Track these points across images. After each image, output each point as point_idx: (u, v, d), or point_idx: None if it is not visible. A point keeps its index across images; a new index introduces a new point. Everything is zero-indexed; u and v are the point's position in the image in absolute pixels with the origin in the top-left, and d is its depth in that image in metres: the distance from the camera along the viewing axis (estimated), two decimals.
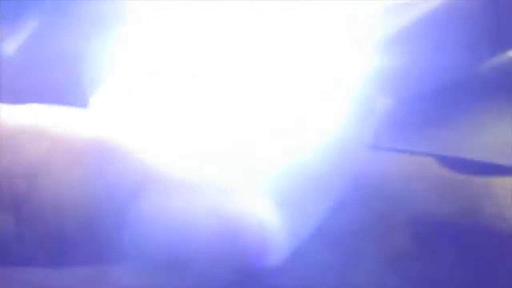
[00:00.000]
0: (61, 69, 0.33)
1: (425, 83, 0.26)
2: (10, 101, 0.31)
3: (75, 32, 0.34)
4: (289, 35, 0.24)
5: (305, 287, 0.24)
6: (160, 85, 0.25)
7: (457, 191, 0.27)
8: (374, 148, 0.27)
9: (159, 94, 0.25)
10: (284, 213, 0.21)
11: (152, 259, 0.21)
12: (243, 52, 0.25)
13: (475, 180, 0.27)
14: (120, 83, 0.26)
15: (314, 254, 0.25)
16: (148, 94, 0.25)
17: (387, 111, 0.26)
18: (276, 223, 0.21)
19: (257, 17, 0.25)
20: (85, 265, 0.21)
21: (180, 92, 0.25)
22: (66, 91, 0.33)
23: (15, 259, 0.20)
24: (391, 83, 0.25)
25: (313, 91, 0.23)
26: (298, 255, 0.23)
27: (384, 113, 0.26)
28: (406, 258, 0.26)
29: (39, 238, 0.20)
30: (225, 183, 0.21)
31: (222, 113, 0.24)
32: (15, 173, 0.20)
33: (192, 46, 0.26)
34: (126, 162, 0.20)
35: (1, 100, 0.32)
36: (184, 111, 0.24)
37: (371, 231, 0.26)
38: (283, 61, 0.24)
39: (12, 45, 0.33)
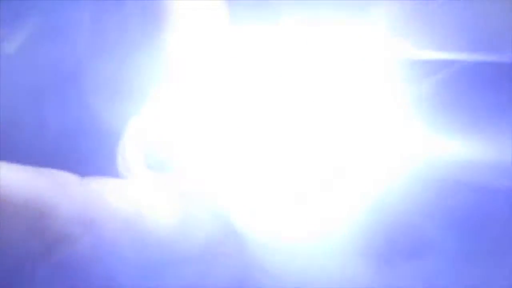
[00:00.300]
0: (61, 69, 0.34)
1: None
2: (10, 101, 0.32)
3: (75, 32, 0.34)
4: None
5: (302, 284, 0.24)
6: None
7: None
8: None
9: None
10: None
11: None
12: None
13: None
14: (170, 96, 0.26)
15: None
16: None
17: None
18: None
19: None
20: None
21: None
22: (66, 91, 0.33)
23: None
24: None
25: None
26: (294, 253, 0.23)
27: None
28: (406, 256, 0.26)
29: None
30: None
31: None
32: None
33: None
34: None
35: (1, 100, 0.32)
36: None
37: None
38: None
39: (12, 45, 0.34)
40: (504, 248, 0.27)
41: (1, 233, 0.19)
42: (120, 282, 0.21)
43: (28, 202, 0.20)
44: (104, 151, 0.26)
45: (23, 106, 0.32)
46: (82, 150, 0.28)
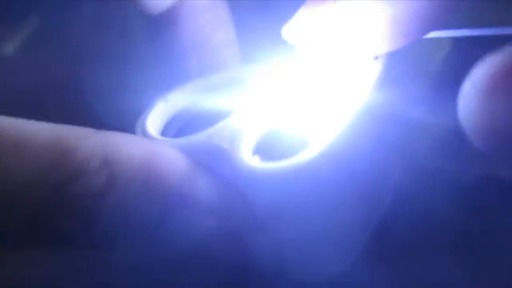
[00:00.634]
0: (61, 69, 0.34)
1: None
2: (10, 101, 0.32)
3: (74, 32, 0.34)
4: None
5: (303, 283, 0.24)
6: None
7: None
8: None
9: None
10: None
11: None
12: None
13: None
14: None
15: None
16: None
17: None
18: None
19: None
20: None
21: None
22: (66, 91, 0.33)
23: None
24: None
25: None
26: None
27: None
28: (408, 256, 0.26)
29: None
30: None
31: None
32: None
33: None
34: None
35: (1, 100, 0.33)
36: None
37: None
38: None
39: (12, 45, 0.34)
40: (503, 246, 0.27)
41: (26, 169, 0.21)
42: (129, 222, 0.22)
43: (49, 142, 0.22)
44: None
45: (23, 106, 0.32)
46: None
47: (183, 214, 0.22)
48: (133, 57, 0.33)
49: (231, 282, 0.23)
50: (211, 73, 0.29)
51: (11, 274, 0.22)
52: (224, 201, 0.23)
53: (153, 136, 0.25)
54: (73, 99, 0.33)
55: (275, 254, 0.23)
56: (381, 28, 0.23)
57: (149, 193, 0.22)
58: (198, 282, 0.23)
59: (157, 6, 0.30)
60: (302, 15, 0.24)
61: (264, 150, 0.24)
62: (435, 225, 0.27)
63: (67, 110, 0.32)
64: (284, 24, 0.25)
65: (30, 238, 0.22)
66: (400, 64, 0.25)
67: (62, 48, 0.34)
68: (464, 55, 0.23)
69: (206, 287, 0.23)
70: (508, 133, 0.20)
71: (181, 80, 0.28)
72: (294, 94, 0.25)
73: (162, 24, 0.30)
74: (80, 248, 0.22)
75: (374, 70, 0.24)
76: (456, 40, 0.27)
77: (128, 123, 0.27)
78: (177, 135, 0.27)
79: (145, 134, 0.26)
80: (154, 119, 0.26)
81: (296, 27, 0.24)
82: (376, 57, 0.24)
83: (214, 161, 0.23)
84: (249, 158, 0.23)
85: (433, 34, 0.25)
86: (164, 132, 0.27)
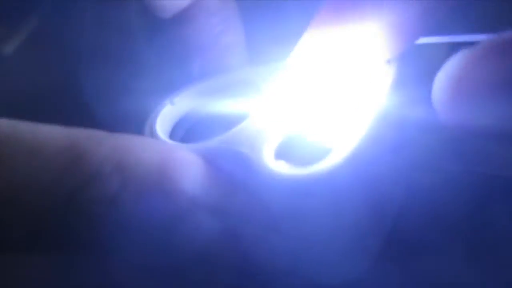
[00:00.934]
0: (61, 69, 0.33)
1: None
2: (11, 101, 0.31)
3: (75, 33, 0.33)
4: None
5: (303, 282, 0.24)
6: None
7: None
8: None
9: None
10: None
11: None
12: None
13: None
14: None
15: None
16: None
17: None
18: None
19: None
20: None
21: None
22: (66, 91, 0.33)
23: None
24: None
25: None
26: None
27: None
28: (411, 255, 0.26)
29: None
30: None
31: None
32: None
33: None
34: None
35: (1, 100, 0.32)
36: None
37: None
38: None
39: (12, 45, 0.33)
40: (502, 245, 0.27)
41: (40, 174, 0.21)
42: (141, 227, 0.21)
43: (63, 147, 0.21)
44: None
45: (23, 106, 0.32)
46: None
47: (196, 220, 0.22)
48: (135, 59, 0.33)
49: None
50: (217, 74, 0.28)
51: (19, 277, 0.22)
52: (241, 209, 0.22)
53: (165, 140, 0.25)
54: (73, 101, 0.32)
55: (291, 257, 0.22)
56: (383, 34, 0.23)
57: (162, 199, 0.22)
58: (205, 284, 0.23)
59: (170, 9, 0.30)
60: (307, 41, 0.25)
61: (283, 155, 0.23)
62: (444, 224, 0.27)
63: (67, 112, 0.32)
64: (291, 26, 0.25)
65: (43, 243, 0.22)
66: (412, 67, 0.25)
67: (62, 49, 0.33)
68: None
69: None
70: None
71: (187, 82, 0.28)
72: (310, 99, 0.25)
73: (171, 25, 0.30)
74: (89, 253, 0.22)
75: (388, 74, 0.24)
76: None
77: (131, 125, 0.27)
78: (184, 138, 0.27)
79: (155, 137, 0.25)
80: (161, 122, 0.26)
81: (302, 53, 0.25)
82: (389, 61, 0.24)
83: (233, 167, 0.23)
84: (272, 164, 0.23)
85: (437, 39, 0.25)
86: (172, 135, 0.27)
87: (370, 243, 0.23)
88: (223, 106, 0.27)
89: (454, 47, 0.27)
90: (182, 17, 0.30)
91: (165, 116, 0.27)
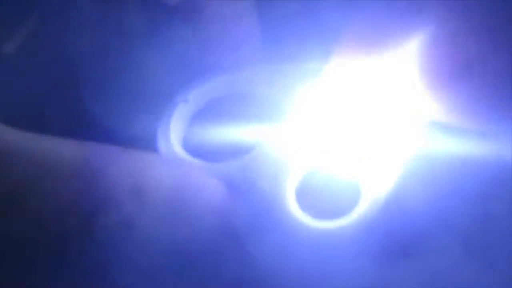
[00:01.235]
0: (61, 70, 0.33)
1: None
2: (11, 101, 0.31)
3: (74, 32, 0.33)
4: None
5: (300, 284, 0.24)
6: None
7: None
8: None
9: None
10: None
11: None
12: None
13: None
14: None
15: None
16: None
17: None
18: None
19: None
20: None
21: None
22: (66, 91, 0.33)
23: None
24: None
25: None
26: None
27: None
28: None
29: None
30: None
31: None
32: None
33: None
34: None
35: (1, 100, 0.32)
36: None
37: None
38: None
39: (12, 45, 0.33)
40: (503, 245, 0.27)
41: (54, 196, 0.20)
42: (155, 256, 0.21)
43: (77, 167, 0.21)
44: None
45: (23, 106, 0.32)
46: None
47: (210, 243, 0.21)
48: (136, 60, 0.32)
49: None
50: (229, 69, 0.27)
51: None
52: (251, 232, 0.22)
53: (180, 155, 0.24)
54: (76, 102, 0.32)
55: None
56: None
57: (178, 222, 0.21)
58: None
59: None
60: (334, 67, 0.24)
61: (306, 192, 0.22)
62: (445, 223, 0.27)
63: (68, 113, 0.32)
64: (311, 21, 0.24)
65: (55, 268, 0.21)
66: None
67: (63, 49, 0.33)
68: None
69: None
70: None
71: (197, 77, 0.27)
72: (337, 131, 0.24)
73: (177, 14, 0.29)
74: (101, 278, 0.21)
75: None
76: None
77: (133, 128, 0.26)
78: (199, 138, 0.26)
79: (169, 147, 0.24)
80: (176, 123, 0.25)
81: (333, 80, 0.24)
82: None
83: (251, 200, 0.22)
84: (294, 209, 0.21)
85: None
86: (186, 137, 0.26)
87: None
88: (237, 104, 0.26)
89: None
90: (190, 5, 0.28)
91: (179, 116, 0.26)
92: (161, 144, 0.25)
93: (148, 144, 0.25)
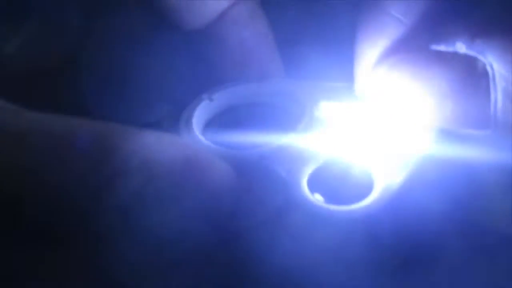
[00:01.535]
0: (61, 70, 0.33)
1: None
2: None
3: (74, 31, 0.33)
4: None
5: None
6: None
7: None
8: None
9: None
10: None
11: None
12: None
13: None
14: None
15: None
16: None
17: None
18: None
19: None
20: None
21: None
22: (66, 92, 0.33)
23: None
24: None
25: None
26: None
27: None
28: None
29: None
30: None
31: None
32: None
33: None
34: None
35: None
36: None
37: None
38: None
39: (12, 45, 0.33)
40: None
41: (69, 168, 0.21)
42: (163, 223, 0.21)
43: (94, 139, 0.22)
44: None
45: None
46: None
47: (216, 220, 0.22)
48: (140, 69, 0.32)
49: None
50: (254, 80, 0.28)
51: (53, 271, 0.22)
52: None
53: (199, 137, 0.25)
54: (73, 100, 0.32)
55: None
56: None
57: (185, 197, 0.21)
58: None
59: (197, 21, 0.29)
60: (379, 71, 0.25)
61: (318, 179, 0.23)
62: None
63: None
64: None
65: (70, 236, 0.22)
66: None
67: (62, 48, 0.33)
68: None
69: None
70: None
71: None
72: (355, 127, 0.25)
73: (201, 38, 0.30)
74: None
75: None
76: None
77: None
78: (216, 136, 0.27)
79: (190, 130, 0.25)
80: (197, 116, 0.26)
81: (371, 83, 0.25)
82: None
83: (264, 184, 0.22)
84: (312, 197, 0.22)
85: None
86: (204, 131, 0.27)
87: None
88: (259, 110, 0.27)
89: None
90: (212, 30, 0.29)
91: (201, 111, 0.27)
92: (182, 130, 0.26)
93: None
